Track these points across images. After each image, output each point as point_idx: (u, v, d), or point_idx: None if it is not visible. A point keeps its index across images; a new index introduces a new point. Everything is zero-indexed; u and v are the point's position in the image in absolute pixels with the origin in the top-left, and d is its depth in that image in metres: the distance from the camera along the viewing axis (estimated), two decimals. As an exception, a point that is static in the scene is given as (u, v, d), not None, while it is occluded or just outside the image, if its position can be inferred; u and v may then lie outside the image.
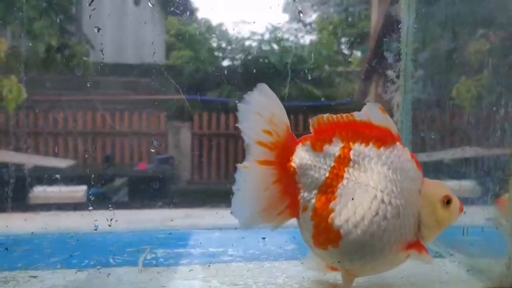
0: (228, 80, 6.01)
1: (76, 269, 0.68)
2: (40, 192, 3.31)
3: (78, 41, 5.14)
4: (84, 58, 4.99)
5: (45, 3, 4.75)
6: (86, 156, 5.07)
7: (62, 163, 4.48)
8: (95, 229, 0.81)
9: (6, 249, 0.75)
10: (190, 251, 0.77)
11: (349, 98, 6.51)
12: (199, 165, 5.53)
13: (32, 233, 0.88)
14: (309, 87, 6.32)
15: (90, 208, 0.80)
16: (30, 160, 4.35)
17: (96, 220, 0.80)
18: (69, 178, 3.97)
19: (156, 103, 5.58)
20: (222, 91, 5.97)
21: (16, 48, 4.90)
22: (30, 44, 4.88)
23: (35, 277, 0.65)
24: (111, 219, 0.81)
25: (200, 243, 0.82)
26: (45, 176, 4.00)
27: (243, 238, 0.86)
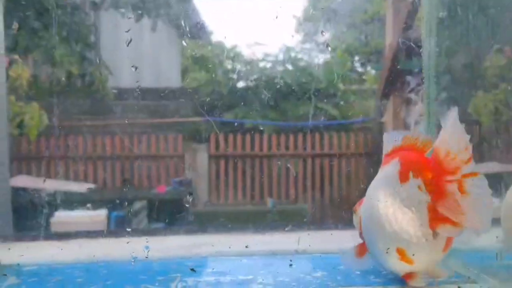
0: (244, 101, 6.09)
1: (109, 298, 0.69)
2: (61, 217, 3.36)
3: (97, 68, 5.28)
4: (104, 84, 5.13)
5: (65, 32, 4.93)
6: (105, 179, 5.15)
7: (82, 187, 4.55)
8: (133, 261, 0.82)
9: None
10: (219, 279, 0.77)
11: (364, 117, 6.50)
12: (216, 186, 5.55)
13: (50, 261, 0.90)
14: (324, 106, 6.34)
15: (127, 237, 0.82)
16: (51, 185, 4.44)
17: (133, 253, 0.82)
18: (89, 202, 4.02)
19: (174, 126, 5.65)
20: (238, 112, 6.03)
21: (37, 76, 5.07)
22: (51, 71, 5.04)
23: (69, 307, 0.66)
24: (147, 251, 0.82)
25: (229, 270, 0.82)
26: (66, 201, 4.07)
27: (272, 264, 0.85)
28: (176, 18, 6.30)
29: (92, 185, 4.79)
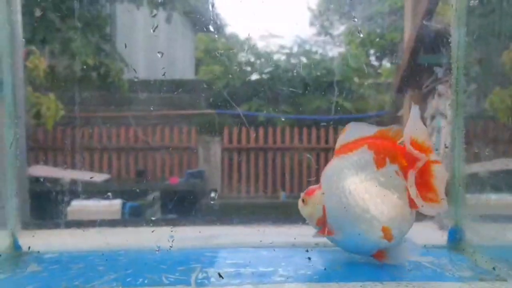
0: (257, 94, 6.06)
1: (132, 287, 0.69)
2: (78, 206, 3.41)
3: (113, 60, 5.30)
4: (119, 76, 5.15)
5: (81, 23, 4.96)
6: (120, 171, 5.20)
7: (98, 177, 4.60)
8: (157, 250, 0.82)
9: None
10: (239, 270, 0.76)
11: (380, 111, 6.42)
12: (229, 179, 5.56)
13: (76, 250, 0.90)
14: (339, 100, 6.28)
15: (151, 225, 0.82)
16: (67, 174, 4.50)
17: (158, 243, 0.82)
18: (104, 192, 4.07)
19: (187, 118, 5.67)
20: (251, 105, 6.01)
21: (54, 67, 5.12)
22: (68, 62, 5.09)
23: (92, 295, 0.66)
24: (172, 240, 0.82)
25: (249, 262, 0.81)
26: (82, 190, 4.12)
27: (291, 257, 0.84)
28: (190, 10, 6.28)
29: (107, 176, 4.84)
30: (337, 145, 0.79)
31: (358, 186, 0.74)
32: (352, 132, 0.78)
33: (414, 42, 2.81)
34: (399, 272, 0.74)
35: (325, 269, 0.76)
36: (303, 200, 0.80)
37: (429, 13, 2.77)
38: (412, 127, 0.73)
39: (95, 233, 1.12)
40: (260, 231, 1.06)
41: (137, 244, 0.95)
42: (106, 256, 0.86)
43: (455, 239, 0.86)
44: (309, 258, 0.82)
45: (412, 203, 0.73)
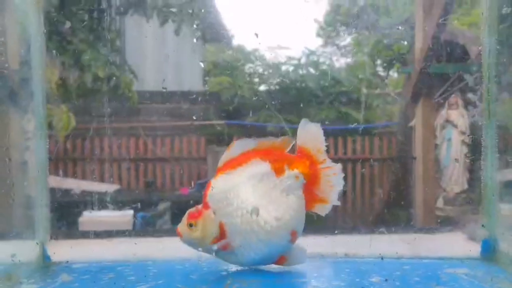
0: (266, 105, 6.08)
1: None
2: (89, 217, 3.41)
3: (123, 72, 5.36)
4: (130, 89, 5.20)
5: (92, 36, 5.03)
6: (129, 182, 5.22)
7: (108, 188, 4.62)
8: (199, 260, 0.82)
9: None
10: (270, 281, 0.76)
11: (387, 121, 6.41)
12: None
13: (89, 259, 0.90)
14: (348, 110, 6.28)
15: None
16: (78, 185, 4.52)
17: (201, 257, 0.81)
18: (115, 202, 4.07)
19: (197, 129, 5.69)
20: (260, 116, 6.02)
21: (65, 78, 5.18)
22: (78, 75, 5.14)
23: (126, 305, 0.66)
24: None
25: (278, 272, 0.80)
26: (93, 201, 4.13)
27: (321, 268, 0.83)
28: (199, 22, 6.35)
29: (117, 186, 4.85)
30: (220, 163, 0.80)
31: (263, 196, 0.76)
32: (236, 148, 0.80)
33: (426, 51, 2.81)
34: (438, 284, 0.72)
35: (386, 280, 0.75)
36: (190, 225, 0.78)
37: (441, 23, 2.78)
38: (304, 136, 0.80)
39: (118, 243, 1.12)
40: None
41: (167, 254, 0.95)
42: (135, 267, 0.86)
43: (489, 250, 0.85)
44: (341, 269, 0.81)
45: (308, 204, 0.79)
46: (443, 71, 2.95)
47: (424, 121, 2.98)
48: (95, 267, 0.86)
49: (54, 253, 0.91)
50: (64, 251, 0.94)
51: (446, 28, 2.93)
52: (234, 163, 0.78)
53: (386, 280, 0.73)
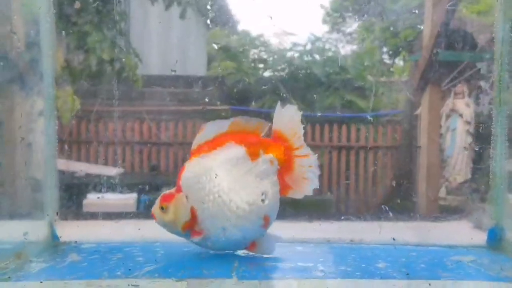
0: (271, 91, 6.05)
1: (174, 279, 0.69)
2: (93, 199, 3.44)
3: (127, 55, 5.34)
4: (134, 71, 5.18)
5: (97, 18, 4.99)
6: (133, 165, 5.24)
7: (112, 171, 4.64)
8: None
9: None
10: (277, 265, 0.76)
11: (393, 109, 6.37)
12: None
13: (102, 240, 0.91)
14: (352, 98, 6.24)
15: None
16: (82, 168, 4.54)
17: None
18: (119, 185, 4.09)
19: (201, 113, 5.68)
20: (265, 101, 5.99)
21: (70, 61, 5.17)
22: (83, 57, 5.12)
23: (136, 286, 0.67)
24: None
25: (286, 257, 0.81)
26: (97, 184, 4.16)
27: (328, 253, 0.84)
28: (204, 5, 6.28)
29: (121, 169, 4.88)
30: (194, 146, 0.78)
31: (236, 181, 0.75)
32: (208, 131, 0.78)
33: (435, 39, 2.78)
34: (444, 271, 0.73)
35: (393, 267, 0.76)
36: (162, 208, 0.77)
37: (450, 10, 2.73)
38: (280, 120, 0.79)
39: (125, 224, 1.13)
40: (290, 226, 1.07)
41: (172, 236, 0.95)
42: (143, 248, 0.87)
43: (495, 239, 0.85)
44: (349, 253, 0.81)
45: (282, 190, 0.79)
46: (452, 58, 2.91)
47: (430, 110, 2.96)
48: (104, 247, 0.87)
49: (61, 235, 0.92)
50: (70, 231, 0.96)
51: (455, 15, 2.89)
52: (209, 147, 0.77)
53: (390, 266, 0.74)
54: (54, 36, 0.87)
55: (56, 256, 0.83)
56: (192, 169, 0.77)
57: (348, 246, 0.87)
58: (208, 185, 0.75)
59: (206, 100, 5.77)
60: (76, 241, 0.91)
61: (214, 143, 0.77)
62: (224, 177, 0.75)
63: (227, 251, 0.81)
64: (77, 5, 3.51)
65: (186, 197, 0.76)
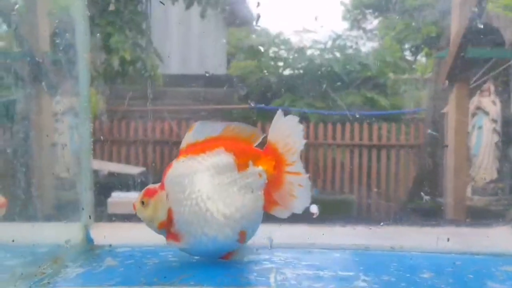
0: (291, 89, 6.01)
1: (212, 286, 0.68)
2: (118, 198, 3.48)
3: (148, 55, 5.38)
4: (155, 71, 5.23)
5: (119, 20, 5.04)
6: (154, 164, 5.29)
7: (134, 170, 4.69)
8: (256, 250, 0.81)
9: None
10: (318, 273, 0.74)
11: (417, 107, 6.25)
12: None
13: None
14: (374, 96, 6.15)
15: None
16: (106, 167, 4.61)
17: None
18: (141, 184, 4.13)
19: (221, 113, 5.70)
20: (285, 100, 5.96)
21: (93, 61, 5.25)
22: (105, 57, 5.19)
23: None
24: (271, 242, 0.81)
25: (325, 265, 0.78)
26: (120, 183, 4.21)
27: (367, 261, 0.81)
28: (224, 4, 6.28)
29: (143, 168, 4.93)
30: (183, 144, 0.74)
31: (218, 190, 0.72)
32: (199, 130, 0.74)
33: (463, 35, 2.70)
34: (494, 282, 0.69)
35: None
36: (142, 202, 0.74)
37: (480, 6, 2.65)
38: (277, 131, 0.74)
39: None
40: (321, 231, 1.04)
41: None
42: (177, 252, 0.86)
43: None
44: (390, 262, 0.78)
45: (267, 205, 0.75)
46: (481, 55, 2.82)
47: (458, 107, 2.88)
48: (138, 251, 0.87)
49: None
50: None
51: (483, 11, 2.80)
52: (198, 148, 0.74)
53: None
54: (89, 38, 0.87)
55: (92, 261, 0.82)
56: (177, 168, 0.74)
57: (387, 253, 0.84)
58: (189, 189, 0.72)
59: (226, 99, 5.78)
60: (110, 245, 0.90)
61: (204, 146, 0.74)
62: (205, 184, 0.72)
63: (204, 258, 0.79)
64: (112, 7, 3.56)
65: (167, 196, 0.73)
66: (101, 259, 0.82)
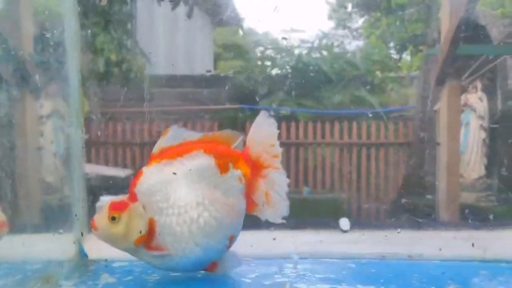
0: (279, 89, 5.97)
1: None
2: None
3: (135, 56, 5.29)
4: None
5: (105, 20, 4.93)
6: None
7: (121, 172, 4.59)
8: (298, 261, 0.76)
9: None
10: (334, 287, 0.69)
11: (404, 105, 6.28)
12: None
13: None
14: (362, 94, 6.15)
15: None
16: (93, 169, 4.50)
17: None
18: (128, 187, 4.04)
19: (209, 113, 5.63)
20: (273, 100, 5.92)
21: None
22: (91, 58, 5.07)
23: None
24: (297, 259, 0.75)
25: (342, 277, 0.73)
26: (108, 186, 4.11)
27: (387, 272, 0.76)
28: (210, 5, 6.22)
29: (130, 171, 4.84)
30: (156, 149, 0.70)
31: (203, 196, 0.68)
32: (174, 135, 0.70)
33: (455, 32, 2.69)
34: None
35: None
36: (113, 218, 0.67)
37: (471, 3, 2.65)
38: (257, 133, 0.72)
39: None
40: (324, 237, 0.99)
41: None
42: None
43: None
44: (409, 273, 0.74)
45: (249, 208, 0.72)
46: (473, 52, 2.82)
47: (450, 105, 2.88)
48: (137, 266, 0.80)
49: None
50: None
51: (474, 8, 2.80)
52: (173, 152, 0.69)
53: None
54: (79, 37, 0.80)
55: (87, 278, 0.75)
56: (152, 175, 0.68)
57: (406, 263, 0.79)
58: (173, 196, 0.67)
59: (215, 99, 5.71)
60: (106, 259, 0.83)
61: (180, 150, 0.69)
62: (191, 190, 0.68)
63: (183, 273, 0.73)
64: (104, 2, 3.46)
65: (143, 207, 0.67)
66: (97, 276, 0.76)
